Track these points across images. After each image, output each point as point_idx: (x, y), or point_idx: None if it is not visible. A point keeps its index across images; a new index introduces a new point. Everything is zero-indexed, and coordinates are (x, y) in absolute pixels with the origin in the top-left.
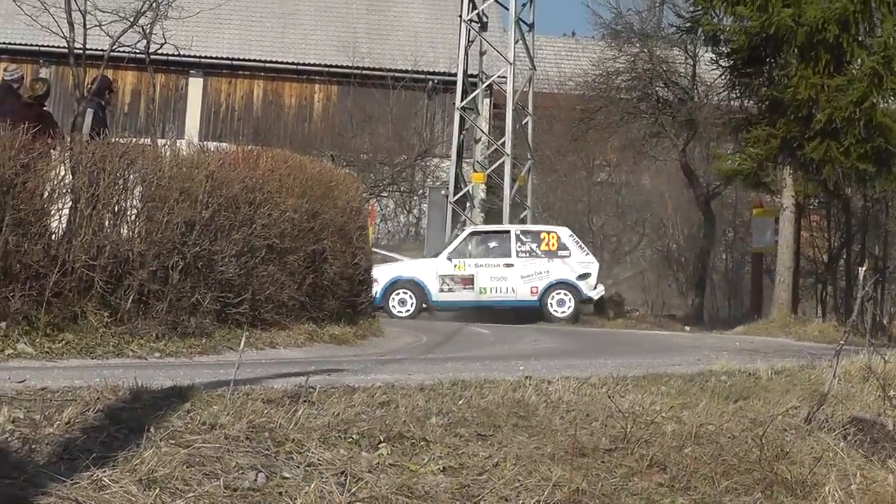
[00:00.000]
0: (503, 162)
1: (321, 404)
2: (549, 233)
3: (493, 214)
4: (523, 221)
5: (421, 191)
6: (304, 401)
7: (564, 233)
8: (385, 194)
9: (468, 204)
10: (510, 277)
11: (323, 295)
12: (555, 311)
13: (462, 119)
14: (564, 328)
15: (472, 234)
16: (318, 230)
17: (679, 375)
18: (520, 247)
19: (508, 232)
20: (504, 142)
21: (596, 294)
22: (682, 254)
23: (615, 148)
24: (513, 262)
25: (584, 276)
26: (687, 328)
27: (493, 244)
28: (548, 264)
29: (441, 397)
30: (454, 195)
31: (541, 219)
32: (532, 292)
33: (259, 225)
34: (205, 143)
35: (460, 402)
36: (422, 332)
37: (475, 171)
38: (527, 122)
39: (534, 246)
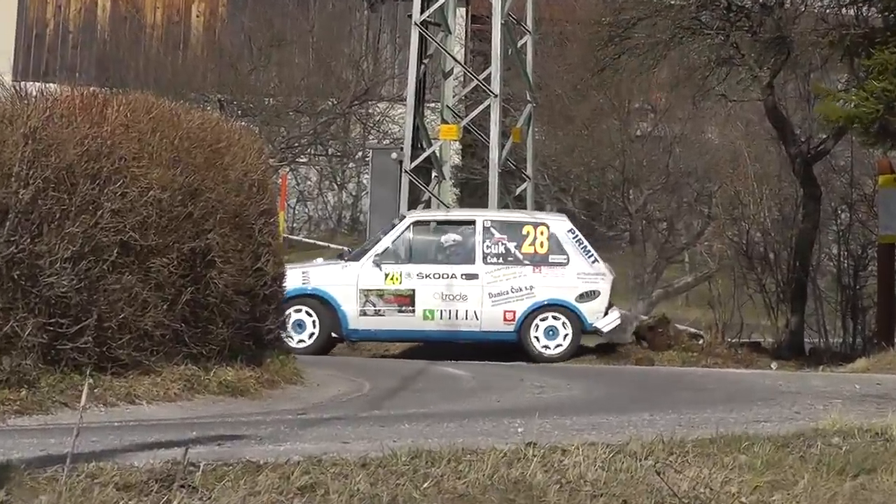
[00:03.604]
0: (488, 107)
1: (208, 491)
2: (535, 225)
3: (472, 189)
4: (521, 200)
5: (360, 153)
6: (182, 486)
7: (560, 225)
8: (304, 160)
9: (433, 174)
10: (472, 296)
11: (208, 320)
12: (542, 346)
13: (423, 40)
14: (584, 367)
15: (415, 224)
16: (200, 218)
17: (767, 438)
18: (489, 247)
19: (473, 222)
20: (489, 75)
21: (607, 324)
22: (771, 247)
23: (663, 84)
24: (477, 270)
25: (588, 296)
26: (774, 365)
27: (447, 242)
28: (532, 276)
29: (395, 478)
30: (412, 160)
31: (548, 194)
32: (506, 319)
33: (107, 211)
34: (21, 84)
35: (425, 486)
36: (363, 376)
37: (444, 121)
38: (525, 45)
39: (511, 246)
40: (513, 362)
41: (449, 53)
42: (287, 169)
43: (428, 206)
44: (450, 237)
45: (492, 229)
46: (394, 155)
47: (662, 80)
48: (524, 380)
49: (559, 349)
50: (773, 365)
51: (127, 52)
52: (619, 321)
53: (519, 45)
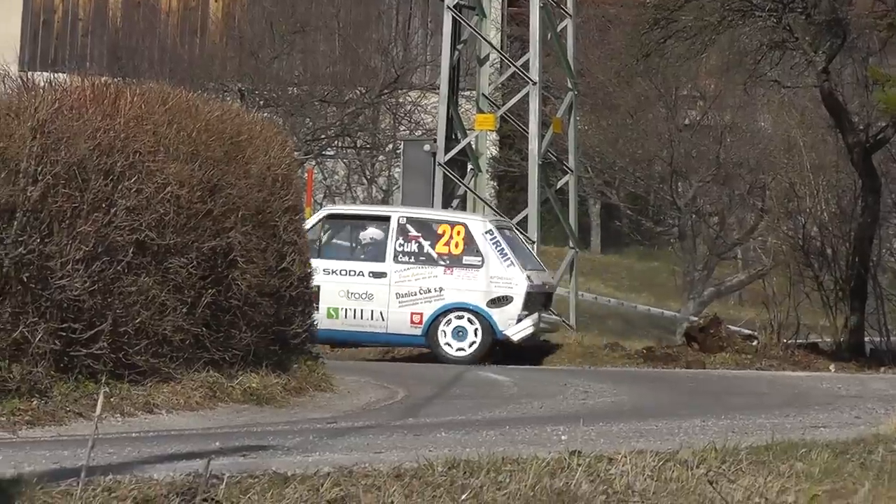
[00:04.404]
0: (527, 95)
1: None
2: (452, 224)
3: (511, 183)
4: (563, 194)
5: (390, 146)
6: (205, 499)
7: (478, 226)
8: (331, 152)
9: (469, 167)
10: (378, 296)
11: (230, 323)
12: (448, 345)
13: (457, 24)
14: (632, 371)
15: (329, 218)
16: (220, 215)
17: (825, 444)
18: (402, 245)
19: (388, 219)
20: (528, 62)
21: (518, 333)
22: (828, 242)
23: (712, 69)
24: (386, 269)
25: (500, 302)
26: (833, 367)
27: (364, 239)
28: (443, 277)
29: (431, 490)
30: (446, 152)
31: (591, 187)
32: (413, 322)
33: (121, 209)
34: (28, 74)
35: (463, 498)
36: (397, 382)
37: (480, 110)
38: (565, 29)
39: (426, 245)
40: (556, 367)
41: (484, 38)
42: (313, 162)
43: (464, 200)
44: (368, 234)
45: (407, 226)
46: (426, 147)
47: (711, 65)
48: (568, 385)
49: (469, 350)
50: (832, 367)
51: (141, 39)
52: (532, 329)
53: (559, 29)
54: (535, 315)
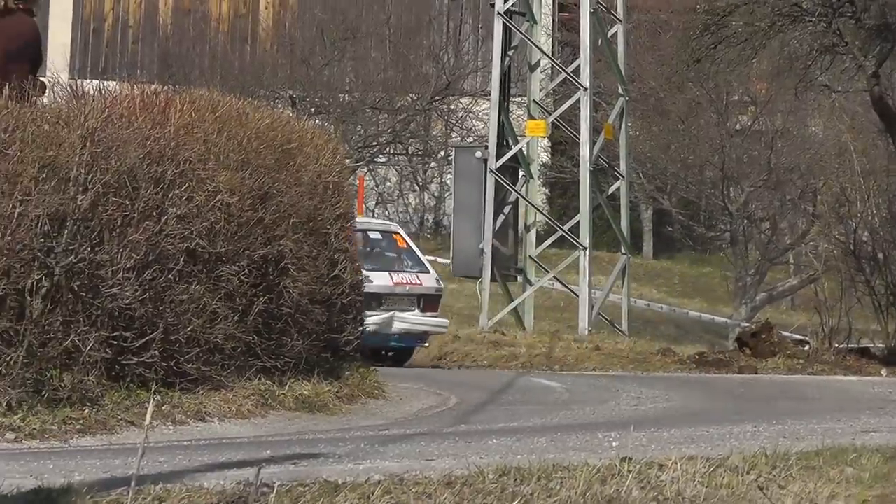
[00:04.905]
0: (578, 101)
1: None
2: None
3: (562, 189)
4: (614, 199)
5: (442, 152)
6: None
7: None
8: (383, 159)
9: (520, 173)
10: None
11: (282, 331)
12: None
13: (508, 31)
14: (684, 377)
15: None
16: (272, 223)
17: (875, 449)
18: None
19: None
20: (579, 67)
21: None
22: (880, 247)
23: (763, 74)
24: None
25: None
26: (884, 371)
27: None
28: None
29: (482, 497)
30: (497, 158)
31: (643, 193)
32: None
33: (172, 217)
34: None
35: None
36: (449, 389)
37: (531, 116)
38: (616, 34)
39: None
40: (608, 373)
41: (535, 44)
42: (364, 169)
43: (515, 206)
44: None
45: None
46: (478, 153)
47: (762, 70)
48: (620, 391)
49: None
50: (884, 371)
51: (191, 46)
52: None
53: (609, 34)
54: (387, 315)
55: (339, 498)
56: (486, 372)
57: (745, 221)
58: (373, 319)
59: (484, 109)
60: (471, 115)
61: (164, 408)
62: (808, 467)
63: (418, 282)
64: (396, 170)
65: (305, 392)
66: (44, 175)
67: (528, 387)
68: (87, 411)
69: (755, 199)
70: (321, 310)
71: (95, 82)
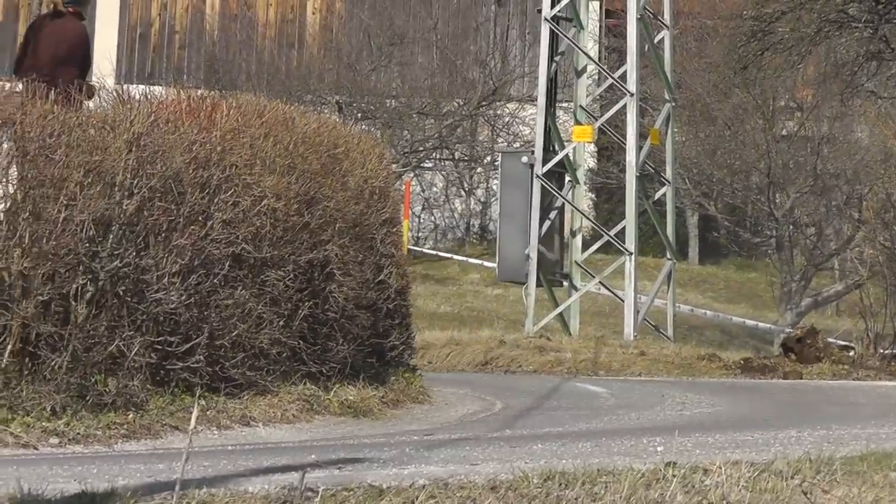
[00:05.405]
0: (624, 107)
1: None
2: None
3: (609, 194)
4: (660, 205)
5: (488, 157)
6: None
7: None
8: (429, 165)
9: (567, 178)
10: None
11: (327, 336)
12: None
13: (554, 36)
14: (730, 382)
15: None
16: (317, 228)
17: None
18: None
19: None
20: (625, 73)
21: None
22: None
23: (809, 80)
24: None
25: None
26: None
27: None
28: None
29: (526, 502)
30: (543, 164)
31: (689, 198)
32: None
33: (218, 221)
34: (125, 87)
35: None
36: (494, 394)
37: (578, 122)
38: (663, 40)
39: None
40: (654, 378)
41: (582, 50)
42: (411, 175)
43: (561, 212)
44: None
45: None
46: (524, 159)
47: (808, 76)
48: (665, 396)
49: None
50: None
51: (237, 52)
52: None
53: (656, 40)
54: None
55: (384, 502)
56: (531, 377)
57: (791, 227)
58: None
59: (530, 115)
60: (517, 120)
61: (208, 412)
62: (852, 472)
63: None
64: (442, 175)
65: (350, 397)
66: (89, 180)
67: (573, 392)
68: (131, 416)
69: (801, 204)
70: (366, 315)
71: (141, 87)
